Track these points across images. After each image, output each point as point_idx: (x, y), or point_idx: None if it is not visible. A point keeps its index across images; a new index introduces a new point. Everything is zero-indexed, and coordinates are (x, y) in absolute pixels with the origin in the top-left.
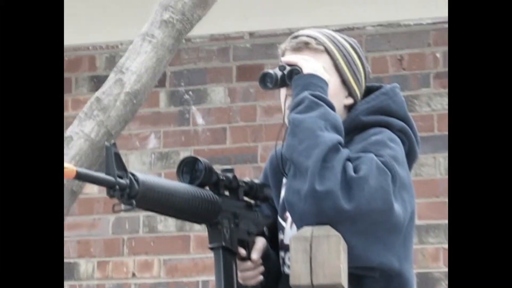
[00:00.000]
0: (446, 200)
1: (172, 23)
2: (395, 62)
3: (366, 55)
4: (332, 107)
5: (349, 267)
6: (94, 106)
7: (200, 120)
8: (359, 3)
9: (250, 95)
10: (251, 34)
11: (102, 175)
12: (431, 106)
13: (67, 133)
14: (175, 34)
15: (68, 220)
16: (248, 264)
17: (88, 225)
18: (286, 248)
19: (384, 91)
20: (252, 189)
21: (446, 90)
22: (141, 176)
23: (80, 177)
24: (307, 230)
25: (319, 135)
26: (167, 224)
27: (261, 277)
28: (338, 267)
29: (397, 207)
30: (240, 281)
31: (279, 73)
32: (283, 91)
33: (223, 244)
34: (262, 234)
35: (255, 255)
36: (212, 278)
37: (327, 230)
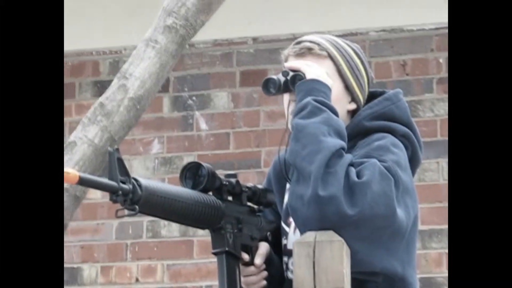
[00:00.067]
0: None
1: (176, 29)
2: (398, 67)
3: (369, 61)
4: (335, 113)
5: (352, 272)
6: (98, 112)
7: (203, 125)
8: (362, 9)
9: (254, 100)
10: (255, 40)
11: (105, 180)
12: (434, 111)
13: (71, 138)
14: (179, 40)
15: (71, 225)
16: (252, 269)
17: (92, 230)
18: (290, 253)
19: (387, 97)
20: (255, 194)
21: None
22: (144, 181)
23: (82, 182)
24: (310, 235)
25: (322, 141)
26: (171, 229)
27: (264, 282)
28: (341, 272)
29: (400, 212)
30: (244, 286)
31: (282, 79)
32: (286, 97)
33: (227, 249)
34: (265, 239)
35: (259, 260)
36: (215, 283)
37: (330, 235)
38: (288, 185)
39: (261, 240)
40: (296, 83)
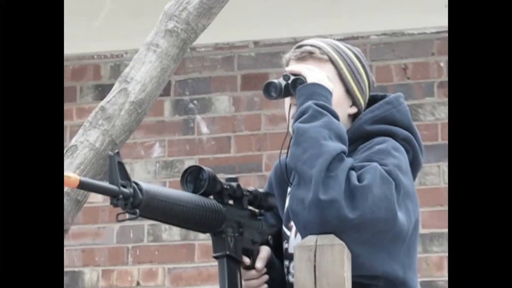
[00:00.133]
0: None
1: (177, 33)
2: (399, 71)
3: (370, 64)
4: (336, 117)
5: (353, 276)
6: (99, 116)
7: (204, 129)
8: (363, 13)
9: (255, 104)
10: (256, 43)
11: (105, 184)
12: (435, 115)
13: (72, 142)
14: (180, 44)
15: (72, 229)
16: (253, 272)
17: (93, 234)
18: (291, 257)
19: (388, 100)
20: (256, 198)
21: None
22: (144, 185)
23: (83, 186)
24: (311, 239)
25: (323, 145)
26: (172, 233)
27: (265, 286)
28: (342, 276)
29: (401, 216)
30: None
31: (283, 83)
32: (287, 101)
33: (228, 252)
34: (266, 243)
35: (260, 264)
36: (216, 286)
37: (331, 239)
38: (289, 189)
39: (262, 244)
40: (297, 87)
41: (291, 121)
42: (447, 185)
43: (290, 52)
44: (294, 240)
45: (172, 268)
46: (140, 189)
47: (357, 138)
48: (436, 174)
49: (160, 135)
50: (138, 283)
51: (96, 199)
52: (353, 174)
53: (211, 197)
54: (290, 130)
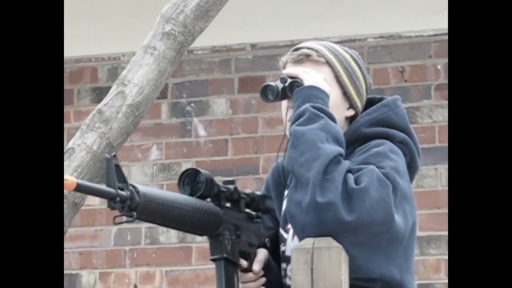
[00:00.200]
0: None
1: (174, 36)
2: (397, 73)
3: (367, 67)
4: (333, 119)
5: (351, 279)
6: (96, 118)
7: (202, 131)
8: (360, 15)
9: (252, 106)
10: (253, 46)
11: (102, 187)
12: (433, 118)
13: (69, 145)
14: (177, 47)
15: (70, 231)
16: (250, 275)
17: (90, 236)
18: (288, 260)
19: (386, 103)
20: (253, 201)
21: (447, 102)
22: (141, 188)
23: (80, 189)
24: (308, 242)
25: (320, 147)
26: (169, 236)
27: None
28: (339, 279)
29: (398, 218)
30: None
31: (280, 85)
32: (284, 103)
33: (225, 255)
34: (263, 245)
35: (257, 266)
36: None
37: (329, 241)
38: (286, 192)
39: (259, 246)
40: (294, 90)
41: (288, 123)
42: (444, 188)
43: (287, 54)
44: (291, 243)
45: (170, 271)
46: (137, 192)
47: (354, 141)
48: (433, 177)
49: (158, 137)
50: (135, 286)
51: (94, 201)
52: (350, 177)
53: (208, 199)
54: (287, 132)
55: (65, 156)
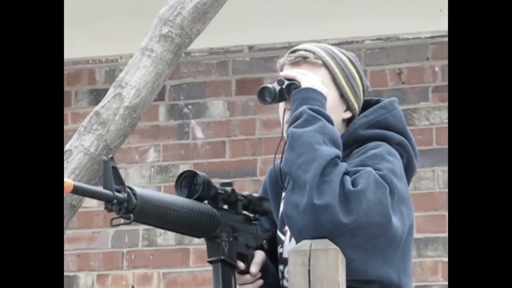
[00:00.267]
0: (445, 213)
1: (171, 38)
2: (394, 76)
3: (365, 69)
4: (330, 121)
5: (348, 281)
6: (94, 121)
7: (199, 133)
8: (358, 17)
9: (250, 108)
10: (251, 48)
11: (99, 189)
12: (430, 120)
13: (67, 147)
14: (174, 49)
15: (67, 233)
16: (247, 277)
17: (88, 238)
18: (285, 262)
19: (383, 105)
20: (251, 203)
21: (445, 104)
22: (139, 190)
23: (77, 191)
24: (305, 244)
25: (317, 149)
26: (167, 238)
27: None
28: (337, 281)
29: (395, 220)
30: None
31: (277, 88)
32: (281, 105)
33: (222, 257)
34: (261, 247)
35: (254, 268)
36: None
37: (326, 243)
38: (283, 194)
39: (256, 248)
40: (291, 92)
41: (286, 126)
42: (441, 190)
43: (284, 57)
44: (288, 245)
45: (167, 273)
46: (134, 194)
47: (352, 143)
48: (430, 179)
49: (155, 139)
50: None
51: (91, 204)
52: (348, 179)
53: (206, 202)
54: (285, 134)
55: None
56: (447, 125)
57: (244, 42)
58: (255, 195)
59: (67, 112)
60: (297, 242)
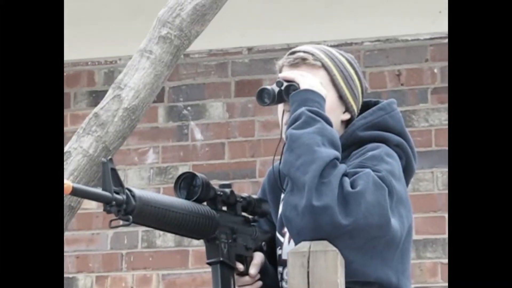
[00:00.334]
0: (444, 215)
1: (170, 39)
2: (393, 77)
3: (364, 71)
4: (329, 123)
5: (347, 282)
6: (93, 122)
7: (198, 135)
8: (357, 19)
9: (249, 110)
10: (250, 49)
11: (98, 190)
12: (429, 121)
13: (66, 148)
14: (173, 50)
15: (66, 235)
16: (246, 279)
17: (87, 240)
18: (284, 263)
19: (381, 107)
20: (250, 204)
21: (444, 105)
22: (137, 191)
23: (76, 193)
24: (304, 245)
25: (316, 151)
26: (166, 239)
27: None
28: (336, 282)
29: (394, 222)
30: None
31: (276, 89)
32: (280, 107)
33: (221, 259)
34: (260, 249)
35: (253, 270)
36: None
37: (325, 245)
38: (282, 195)
39: (255, 250)
40: (290, 94)
41: (284, 127)
42: (440, 191)
43: (283, 58)
44: (287, 246)
45: (166, 274)
46: (133, 196)
47: (350, 144)
48: (429, 180)
49: (154, 141)
50: None
51: (90, 205)
52: (346, 180)
53: (205, 203)
54: (284, 136)
55: None
56: (446, 126)
57: (243, 43)
58: (254, 196)
59: (66, 113)
60: (296, 243)
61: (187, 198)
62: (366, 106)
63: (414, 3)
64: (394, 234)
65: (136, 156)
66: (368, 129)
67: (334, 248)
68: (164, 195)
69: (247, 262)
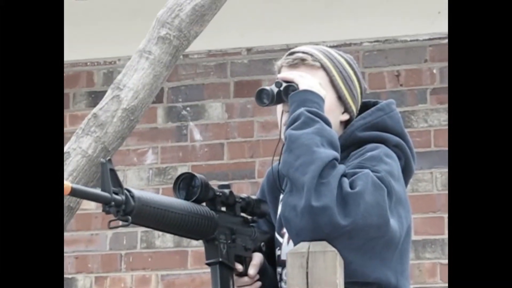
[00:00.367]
0: (443, 215)
1: (169, 40)
2: (392, 78)
3: (363, 71)
4: (328, 123)
5: (346, 283)
6: (92, 123)
7: (197, 135)
8: (356, 19)
9: (248, 110)
10: (249, 50)
11: (97, 191)
12: (428, 122)
13: (65, 149)
14: (172, 51)
15: (65, 235)
16: (245, 279)
17: (86, 240)
18: (283, 264)
19: (380, 107)
20: (249, 205)
21: (443, 106)
22: (136, 192)
23: (75, 193)
24: (303, 246)
25: (315, 151)
26: (165, 240)
27: None
28: (335, 283)
29: (393, 222)
30: None
31: (275, 90)
32: (279, 108)
33: (220, 259)
34: (259, 249)
35: (252, 270)
36: None
37: (324, 245)
38: (281, 196)
39: (255, 250)
40: (289, 94)
41: (283, 128)
42: (439, 192)
43: (282, 59)
44: (286, 247)
45: (165, 275)
46: (132, 196)
47: (349, 145)
48: (428, 181)
49: (153, 142)
50: None
51: (89, 206)
52: (345, 181)
53: (204, 204)
54: (282, 137)
55: None
56: (445, 127)
57: (242, 44)
58: (253, 197)
59: (65, 114)
60: (295, 244)
61: (186, 198)
62: (365, 107)
63: (413, 3)
64: (393, 235)
65: (135, 157)
66: (367, 129)
67: (333, 249)
68: (163, 196)
69: (246, 262)
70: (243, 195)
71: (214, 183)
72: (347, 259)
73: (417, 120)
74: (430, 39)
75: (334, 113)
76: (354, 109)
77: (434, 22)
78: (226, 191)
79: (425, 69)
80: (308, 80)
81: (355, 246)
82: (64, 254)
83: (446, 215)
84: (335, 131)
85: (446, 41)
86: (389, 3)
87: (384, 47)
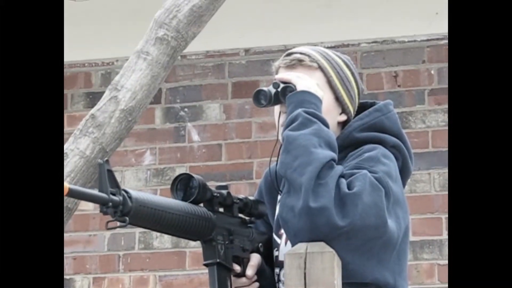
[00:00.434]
0: (441, 216)
1: (167, 41)
2: (390, 78)
3: (361, 72)
4: (325, 124)
5: (344, 283)
6: (89, 123)
7: (195, 136)
8: (354, 20)
9: (246, 111)
10: (247, 51)
11: (95, 192)
12: (426, 123)
13: None
14: (170, 52)
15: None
16: (243, 280)
17: (84, 241)
18: (281, 265)
19: (378, 108)
20: (246, 206)
21: (441, 107)
22: (134, 193)
23: (72, 194)
24: (301, 247)
25: (313, 152)
26: (163, 241)
27: None
28: (333, 284)
29: (390, 223)
30: None
31: (273, 91)
32: (277, 108)
33: (218, 260)
34: (257, 250)
35: (250, 271)
36: None
37: (322, 246)
38: (279, 197)
39: (252, 251)
40: (287, 95)
41: (281, 128)
42: (437, 193)
43: (279, 60)
44: (284, 248)
45: (163, 276)
46: (130, 197)
47: (347, 146)
48: (426, 182)
49: (151, 142)
50: None
51: (87, 206)
52: (343, 182)
53: (201, 204)
54: (280, 138)
55: None
56: (443, 128)
57: (240, 45)
58: (251, 198)
59: (63, 115)
60: (293, 245)
61: (184, 199)
62: (362, 108)
63: (411, 4)
64: (391, 235)
65: (133, 158)
66: (365, 130)
67: (331, 250)
68: (160, 197)
69: (244, 263)
70: (241, 196)
71: (212, 184)
72: (345, 259)
73: (415, 121)
74: (428, 40)
75: (331, 114)
76: (351, 110)
77: (432, 23)
78: (224, 192)
79: (423, 70)
80: (306, 81)
81: (353, 247)
82: None
83: (444, 216)
84: (333, 132)
85: (444, 42)
86: (387, 4)
87: (382, 48)
